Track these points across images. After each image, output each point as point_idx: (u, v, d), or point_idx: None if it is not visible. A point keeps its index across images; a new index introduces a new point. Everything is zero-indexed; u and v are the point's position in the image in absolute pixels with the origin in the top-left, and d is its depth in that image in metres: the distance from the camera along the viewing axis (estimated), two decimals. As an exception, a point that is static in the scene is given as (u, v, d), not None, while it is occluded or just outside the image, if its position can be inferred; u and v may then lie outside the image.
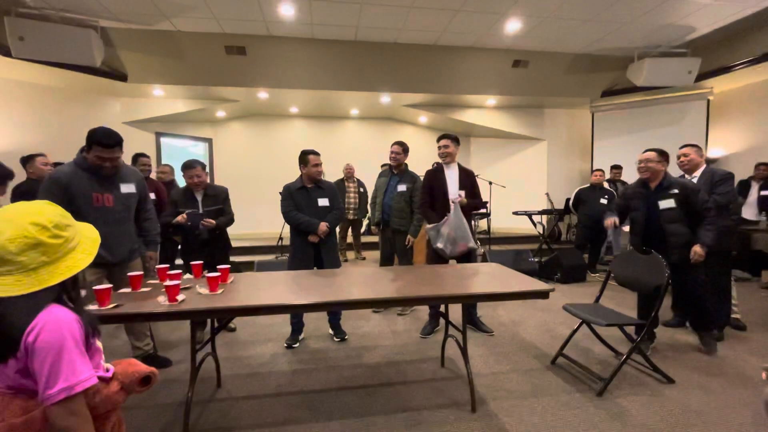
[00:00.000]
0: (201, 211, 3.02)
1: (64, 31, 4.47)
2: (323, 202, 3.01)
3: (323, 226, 2.92)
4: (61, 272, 0.91)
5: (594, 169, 5.74)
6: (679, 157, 3.13)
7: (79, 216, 2.07)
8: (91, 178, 2.19)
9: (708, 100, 6.38)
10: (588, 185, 5.44)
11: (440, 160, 3.24)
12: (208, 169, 7.60)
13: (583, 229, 5.42)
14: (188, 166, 3.02)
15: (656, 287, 2.39)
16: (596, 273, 5.34)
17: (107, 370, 1.03)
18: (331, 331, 3.20)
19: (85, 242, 0.99)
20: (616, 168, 5.97)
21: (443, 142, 3.17)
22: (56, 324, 0.87)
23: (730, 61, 5.51)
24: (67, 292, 0.96)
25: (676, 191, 2.63)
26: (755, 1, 4.50)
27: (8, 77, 5.06)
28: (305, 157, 2.97)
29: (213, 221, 2.98)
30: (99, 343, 1.04)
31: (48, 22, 4.44)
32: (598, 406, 2.12)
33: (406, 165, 3.67)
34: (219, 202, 3.12)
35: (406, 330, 3.32)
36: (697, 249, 2.56)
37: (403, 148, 3.59)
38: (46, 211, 0.93)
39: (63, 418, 0.84)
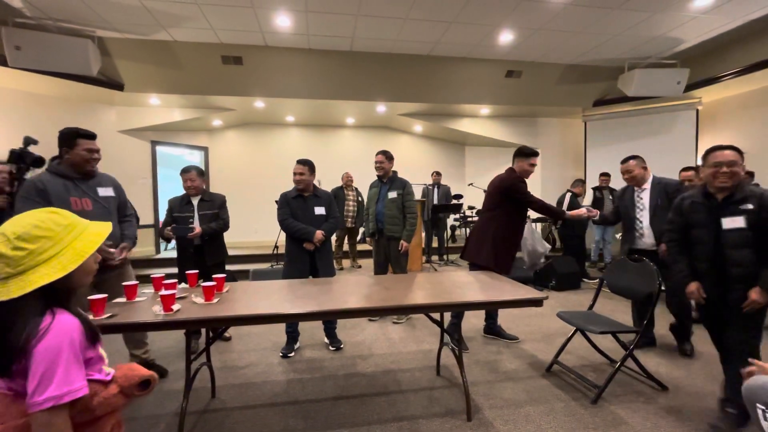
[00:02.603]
0: (196, 215, 3.10)
1: (61, 40, 4.49)
2: (319, 210, 3.03)
3: (319, 234, 2.94)
4: (26, 284, 0.89)
5: (579, 180, 5.77)
6: (623, 174, 3.01)
7: None
8: (67, 183, 2.18)
9: (697, 110, 6.51)
10: (571, 193, 5.48)
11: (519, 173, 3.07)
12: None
13: (577, 238, 5.46)
14: (184, 171, 3.17)
15: (648, 295, 2.41)
16: (593, 279, 5.37)
17: (107, 374, 1.03)
18: (326, 340, 3.19)
19: (66, 254, 0.95)
20: (605, 175, 6.08)
21: (535, 160, 3.07)
22: (58, 331, 0.88)
23: (718, 72, 5.63)
24: (58, 301, 0.95)
25: (750, 206, 1.92)
26: (741, 14, 4.63)
27: (4, 86, 5.06)
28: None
29: (198, 229, 3.02)
30: (102, 351, 1.05)
31: (45, 32, 4.47)
32: (593, 414, 2.13)
33: (394, 172, 3.70)
34: (214, 208, 3.19)
35: (402, 338, 3.32)
36: (754, 295, 1.86)
37: (386, 156, 3.62)
38: (20, 222, 0.92)
39: (42, 427, 0.84)
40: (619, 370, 2.35)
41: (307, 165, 3.02)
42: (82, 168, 2.23)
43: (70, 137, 2.19)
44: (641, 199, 2.96)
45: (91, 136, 2.26)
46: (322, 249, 3.01)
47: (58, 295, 0.95)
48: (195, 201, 3.14)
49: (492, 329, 3.32)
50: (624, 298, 2.88)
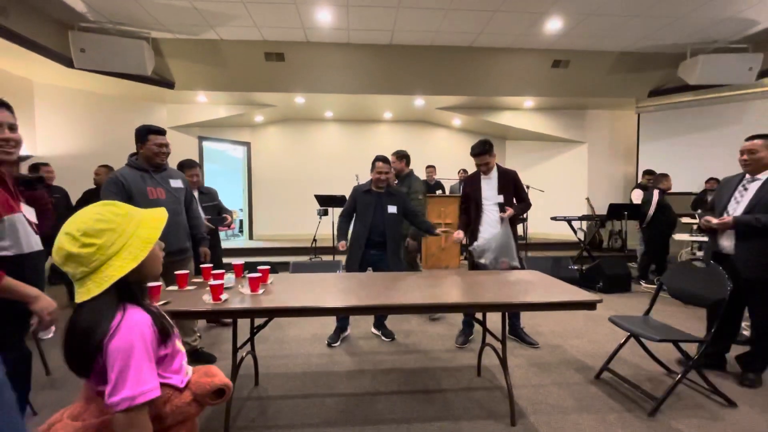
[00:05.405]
0: (199, 207, 3.20)
1: (119, 42, 4.79)
2: (392, 209, 2.99)
3: (341, 246, 2.98)
4: (104, 280, 0.87)
5: (663, 174, 5.27)
6: (742, 153, 2.41)
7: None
8: (144, 175, 2.39)
9: (772, 99, 5.89)
10: (659, 191, 4.98)
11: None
12: (246, 172, 8.00)
13: (661, 240, 5.00)
14: (190, 165, 3.20)
15: (716, 302, 2.20)
16: (651, 283, 4.98)
17: (182, 380, 0.99)
18: (374, 330, 3.28)
19: (134, 243, 0.92)
20: (649, 174, 5.70)
21: (478, 159, 2.96)
22: (128, 329, 0.86)
23: (797, 56, 5.06)
24: (130, 294, 0.92)
25: None
26: (829, -11, 4.11)
27: (69, 86, 5.47)
28: (375, 162, 3.02)
29: (230, 217, 3.37)
30: (180, 344, 1.02)
31: (106, 35, 4.78)
32: (650, 427, 1.98)
33: (410, 171, 3.76)
34: (214, 200, 3.37)
35: (440, 335, 3.26)
36: None
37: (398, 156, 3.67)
38: (81, 218, 0.89)
39: (123, 427, 0.83)
40: (681, 382, 2.17)
41: (387, 162, 3.02)
42: (153, 160, 2.41)
43: (142, 134, 2.37)
44: (746, 190, 2.39)
45: (161, 132, 2.43)
46: (388, 245, 2.99)
47: (131, 288, 0.93)
48: (196, 194, 3.22)
49: (515, 331, 3.15)
50: (683, 305, 2.64)
